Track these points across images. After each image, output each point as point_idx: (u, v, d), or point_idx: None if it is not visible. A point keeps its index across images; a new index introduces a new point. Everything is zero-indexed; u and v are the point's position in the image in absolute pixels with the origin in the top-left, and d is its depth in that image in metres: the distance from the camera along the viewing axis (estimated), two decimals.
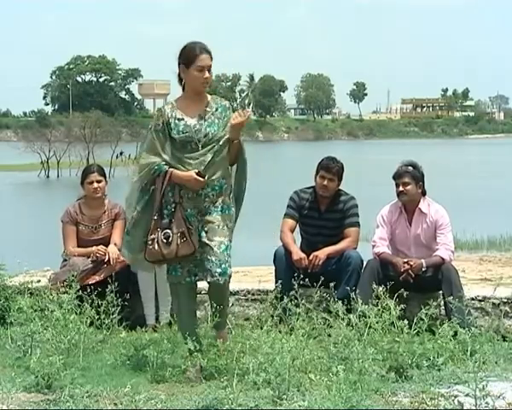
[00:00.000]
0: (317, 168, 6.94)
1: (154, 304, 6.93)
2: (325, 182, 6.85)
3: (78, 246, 7.07)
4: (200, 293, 6.01)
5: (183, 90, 5.64)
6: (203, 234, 5.50)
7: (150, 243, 5.44)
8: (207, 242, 5.47)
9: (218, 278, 5.47)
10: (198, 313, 6.04)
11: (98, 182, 7.10)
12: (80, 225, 7.11)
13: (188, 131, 5.51)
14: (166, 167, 5.47)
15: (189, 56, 5.51)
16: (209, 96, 5.65)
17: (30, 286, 6.73)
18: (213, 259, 5.46)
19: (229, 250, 5.52)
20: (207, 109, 5.58)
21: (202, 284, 5.81)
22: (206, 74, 5.52)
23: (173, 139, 5.52)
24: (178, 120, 5.54)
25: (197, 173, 5.41)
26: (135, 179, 5.58)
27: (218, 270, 5.46)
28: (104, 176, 7.21)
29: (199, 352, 5.31)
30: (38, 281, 6.95)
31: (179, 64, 5.56)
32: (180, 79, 5.62)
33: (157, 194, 5.48)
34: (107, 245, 6.97)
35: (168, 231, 5.40)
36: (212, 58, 5.57)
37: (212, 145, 5.51)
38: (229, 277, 5.55)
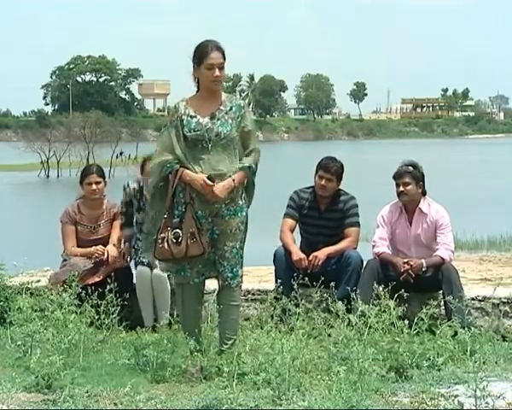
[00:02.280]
0: (316, 168, 6.94)
1: (152, 307, 6.88)
2: (323, 182, 6.84)
3: (78, 246, 7.06)
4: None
5: (199, 89, 5.62)
6: (215, 236, 5.49)
7: (160, 241, 5.43)
8: (219, 246, 5.48)
9: (229, 282, 5.50)
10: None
11: (97, 183, 7.09)
12: (79, 224, 7.11)
13: (199, 130, 5.47)
14: (178, 166, 5.46)
15: (200, 54, 5.50)
16: (224, 95, 5.61)
17: (30, 286, 6.74)
18: (225, 263, 5.49)
19: (241, 252, 5.54)
20: (221, 108, 5.54)
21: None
22: (216, 72, 5.47)
23: (185, 137, 5.48)
24: (191, 117, 5.51)
25: (208, 177, 5.38)
26: (150, 179, 5.61)
27: (230, 274, 5.50)
28: (103, 177, 7.20)
29: (199, 352, 5.32)
30: (38, 281, 6.95)
31: (193, 63, 5.55)
32: (195, 78, 5.60)
33: (168, 192, 5.48)
34: (105, 245, 6.97)
35: (178, 230, 5.39)
36: (224, 56, 5.53)
37: (223, 145, 5.46)
38: (241, 277, 5.58)
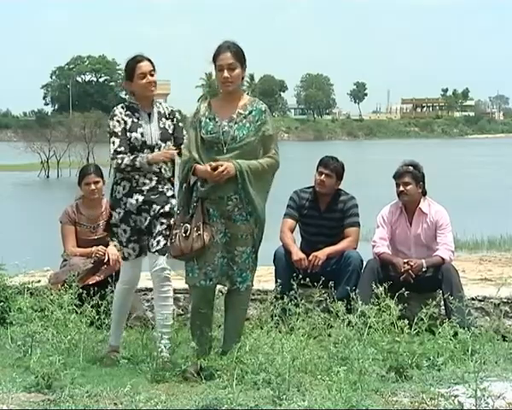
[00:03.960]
0: (317, 166, 6.95)
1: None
2: (322, 177, 6.85)
3: (78, 246, 7.07)
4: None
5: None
6: (227, 239, 5.43)
7: (173, 237, 5.41)
8: (229, 249, 5.42)
9: (238, 287, 5.47)
10: None
11: (96, 183, 7.05)
12: (78, 225, 7.11)
13: (216, 132, 5.42)
14: (194, 164, 5.42)
15: (213, 57, 5.48)
16: (247, 98, 5.52)
17: (30, 286, 6.74)
18: (235, 268, 5.44)
19: (252, 257, 5.47)
20: (241, 112, 5.44)
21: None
22: (224, 74, 5.39)
23: (203, 139, 5.45)
24: (210, 119, 5.46)
25: (212, 167, 5.30)
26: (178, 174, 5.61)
27: (239, 279, 5.46)
28: (101, 176, 7.17)
29: (200, 354, 5.29)
30: (39, 281, 6.95)
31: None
32: None
33: (185, 190, 5.45)
34: (106, 245, 6.96)
35: (187, 225, 5.36)
36: (237, 56, 5.41)
37: (238, 149, 5.38)
38: (251, 281, 5.52)
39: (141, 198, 5.75)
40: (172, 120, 5.90)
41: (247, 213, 5.41)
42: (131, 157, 5.71)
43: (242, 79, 5.51)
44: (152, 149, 5.77)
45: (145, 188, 5.75)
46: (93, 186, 7.05)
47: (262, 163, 5.41)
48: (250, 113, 5.45)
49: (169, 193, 5.81)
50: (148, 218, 5.73)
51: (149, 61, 5.87)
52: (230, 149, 5.39)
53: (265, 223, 5.52)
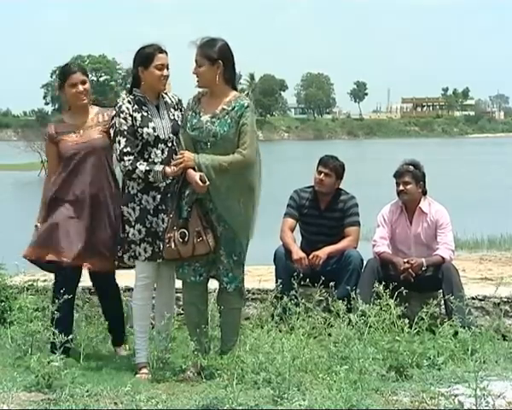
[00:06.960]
0: (316, 165, 6.95)
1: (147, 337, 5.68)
2: (321, 176, 6.85)
3: (61, 160, 5.96)
4: None
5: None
6: (218, 234, 5.41)
7: (167, 241, 5.37)
8: (215, 247, 5.40)
9: (225, 286, 5.47)
10: None
11: (83, 83, 5.81)
12: (60, 135, 5.91)
13: (198, 127, 5.40)
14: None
15: None
16: (233, 94, 5.44)
17: (30, 286, 6.73)
18: (221, 267, 5.45)
19: (233, 259, 5.43)
20: (225, 107, 5.40)
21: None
22: (193, 70, 5.43)
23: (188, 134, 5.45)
24: (195, 113, 5.46)
25: (200, 178, 5.27)
26: None
27: (225, 279, 5.46)
28: (87, 75, 5.95)
29: (199, 352, 5.30)
30: (44, 281, 6.91)
31: None
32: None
33: (176, 191, 5.43)
34: (94, 151, 5.81)
35: (184, 230, 5.33)
36: (200, 53, 5.40)
37: (220, 145, 5.34)
38: (240, 282, 5.48)
39: (158, 196, 5.51)
40: (180, 111, 5.66)
41: (224, 220, 5.39)
42: (144, 170, 5.40)
43: (227, 77, 5.41)
44: (165, 143, 5.50)
45: (162, 185, 5.50)
46: (80, 87, 5.77)
47: (225, 160, 5.31)
48: (233, 109, 5.40)
49: None
50: (167, 219, 5.46)
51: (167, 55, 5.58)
52: (212, 145, 5.37)
53: (251, 224, 5.49)
